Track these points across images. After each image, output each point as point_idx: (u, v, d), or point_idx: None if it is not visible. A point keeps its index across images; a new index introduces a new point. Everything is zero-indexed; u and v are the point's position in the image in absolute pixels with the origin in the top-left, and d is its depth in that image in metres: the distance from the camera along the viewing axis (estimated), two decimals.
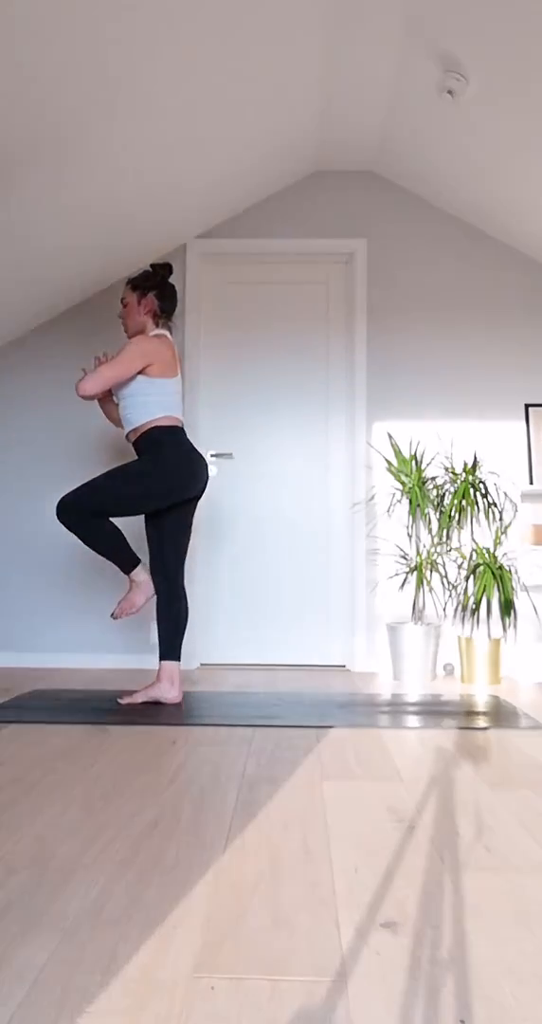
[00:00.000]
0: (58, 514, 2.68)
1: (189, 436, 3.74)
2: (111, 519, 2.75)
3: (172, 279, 3.08)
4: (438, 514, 3.62)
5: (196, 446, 3.78)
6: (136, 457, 2.83)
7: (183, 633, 2.84)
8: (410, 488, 3.57)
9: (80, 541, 2.76)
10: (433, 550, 3.58)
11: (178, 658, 2.82)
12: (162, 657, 2.81)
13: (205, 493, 3.87)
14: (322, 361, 3.95)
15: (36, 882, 1.29)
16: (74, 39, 2.15)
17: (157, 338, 2.77)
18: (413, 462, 3.61)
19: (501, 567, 3.37)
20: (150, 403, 2.75)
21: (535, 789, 1.82)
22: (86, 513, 2.66)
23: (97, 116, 2.56)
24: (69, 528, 2.69)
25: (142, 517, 3.76)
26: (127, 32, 2.24)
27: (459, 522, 3.70)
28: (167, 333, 2.85)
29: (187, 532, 2.88)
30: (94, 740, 2.27)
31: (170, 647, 2.81)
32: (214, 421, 3.94)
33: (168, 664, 2.80)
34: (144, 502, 2.75)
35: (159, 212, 3.42)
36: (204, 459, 2.88)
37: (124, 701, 2.79)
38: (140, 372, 2.73)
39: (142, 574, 2.81)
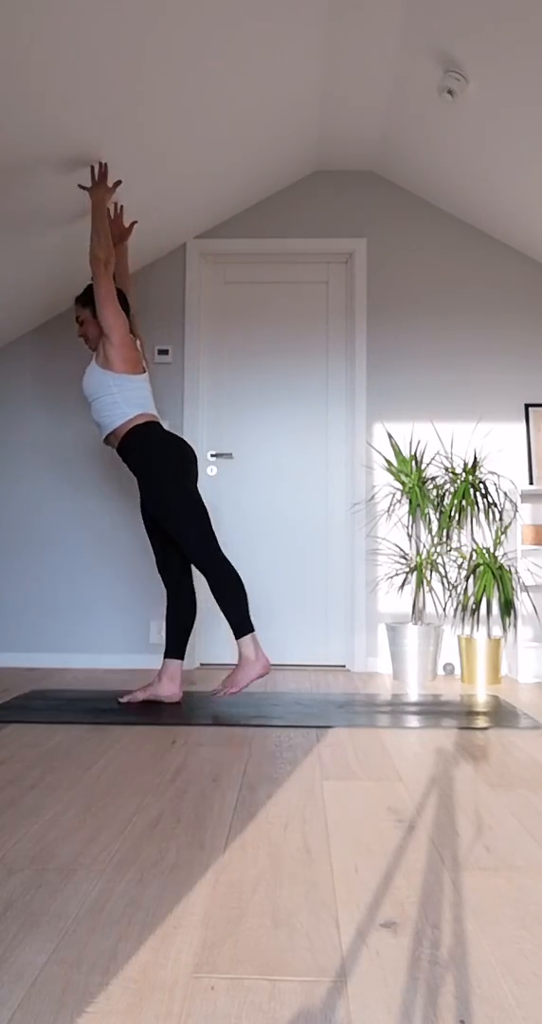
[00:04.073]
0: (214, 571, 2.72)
1: (189, 436, 3.78)
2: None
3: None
4: (438, 514, 3.62)
5: (196, 446, 3.82)
6: (122, 459, 2.81)
7: (189, 632, 2.85)
8: (410, 488, 3.57)
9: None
10: (433, 550, 3.58)
11: (182, 657, 2.83)
12: (166, 655, 2.82)
13: (205, 493, 3.89)
14: (322, 361, 3.95)
15: (36, 882, 1.29)
16: (72, 38, 2.15)
17: (128, 335, 2.75)
18: (413, 462, 3.61)
19: (501, 567, 3.37)
20: (120, 401, 2.71)
21: (535, 789, 1.82)
22: (211, 551, 2.71)
23: (96, 116, 2.56)
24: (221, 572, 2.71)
25: (142, 522, 3.78)
26: (126, 33, 2.24)
27: (459, 522, 3.70)
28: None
29: None
30: (94, 740, 2.27)
31: (174, 646, 2.82)
32: (214, 421, 3.94)
33: (171, 662, 2.81)
34: (184, 489, 2.71)
35: (159, 212, 3.42)
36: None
37: (124, 700, 2.79)
38: (107, 367, 2.70)
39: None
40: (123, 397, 2.71)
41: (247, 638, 2.68)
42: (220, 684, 2.71)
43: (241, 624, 2.68)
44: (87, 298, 2.81)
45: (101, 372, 2.72)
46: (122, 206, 3.12)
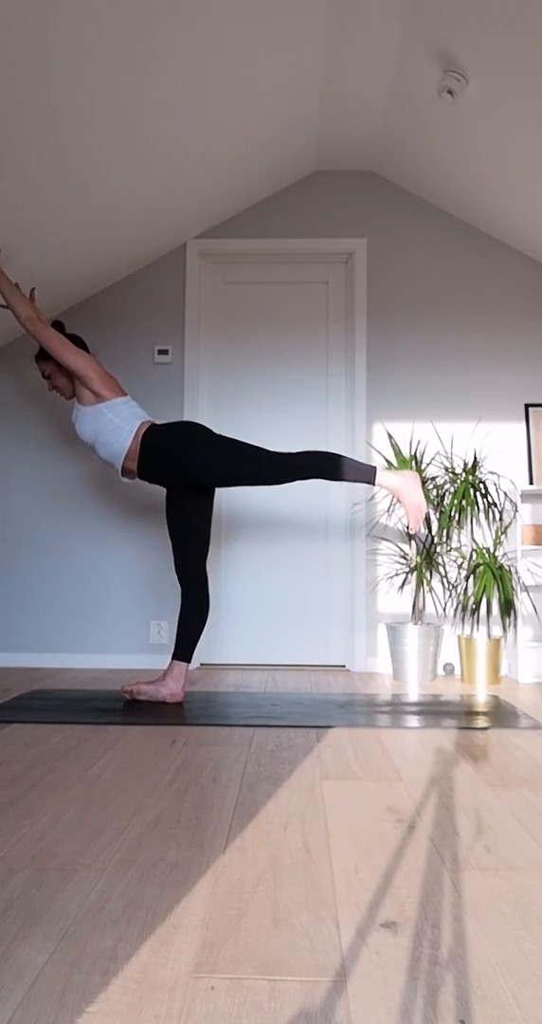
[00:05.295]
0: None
1: None
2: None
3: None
4: (438, 514, 3.62)
5: None
6: (148, 477, 2.83)
7: (199, 635, 2.87)
8: None
9: (318, 472, 2.68)
10: (433, 550, 3.58)
11: (189, 660, 2.86)
12: (174, 656, 2.85)
13: None
14: (322, 361, 3.95)
15: (36, 882, 1.29)
16: (71, 38, 2.15)
17: (99, 366, 2.80)
18: (413, 462, 3.61)
19: (501, 567, 3.37)
20: (121, 423, 2.77)
21: (535, 789, 1.82)
22: (274, 463, 2.66)
23: (96, 116, 2.56)
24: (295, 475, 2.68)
25: (142, 523, 3.79)
26: (126, 32, 2.24)
27: (459, 522, 3.70)
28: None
29: (209, 525, 2.90)
30: (94, 740, 2.27)
31: (183, 648, 2.84)
32: (214, 421, 3.94)
33: (178, 664, 2.84)
34: (217, 443, 2.70)
35: (159, 212, 3.43)
36: None
37: (127, 689, 2.84)
38: (97, 400, 2.77)
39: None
40: (121, 419, 2.78)
41: (380, 475, 2.69)
42: (410, 524, 2.71)
43: (364, 474, 2.68)
44: (47, 353, 2.86)
45: (92, 409, 2.78)
46: (16, 283, 3.09)
